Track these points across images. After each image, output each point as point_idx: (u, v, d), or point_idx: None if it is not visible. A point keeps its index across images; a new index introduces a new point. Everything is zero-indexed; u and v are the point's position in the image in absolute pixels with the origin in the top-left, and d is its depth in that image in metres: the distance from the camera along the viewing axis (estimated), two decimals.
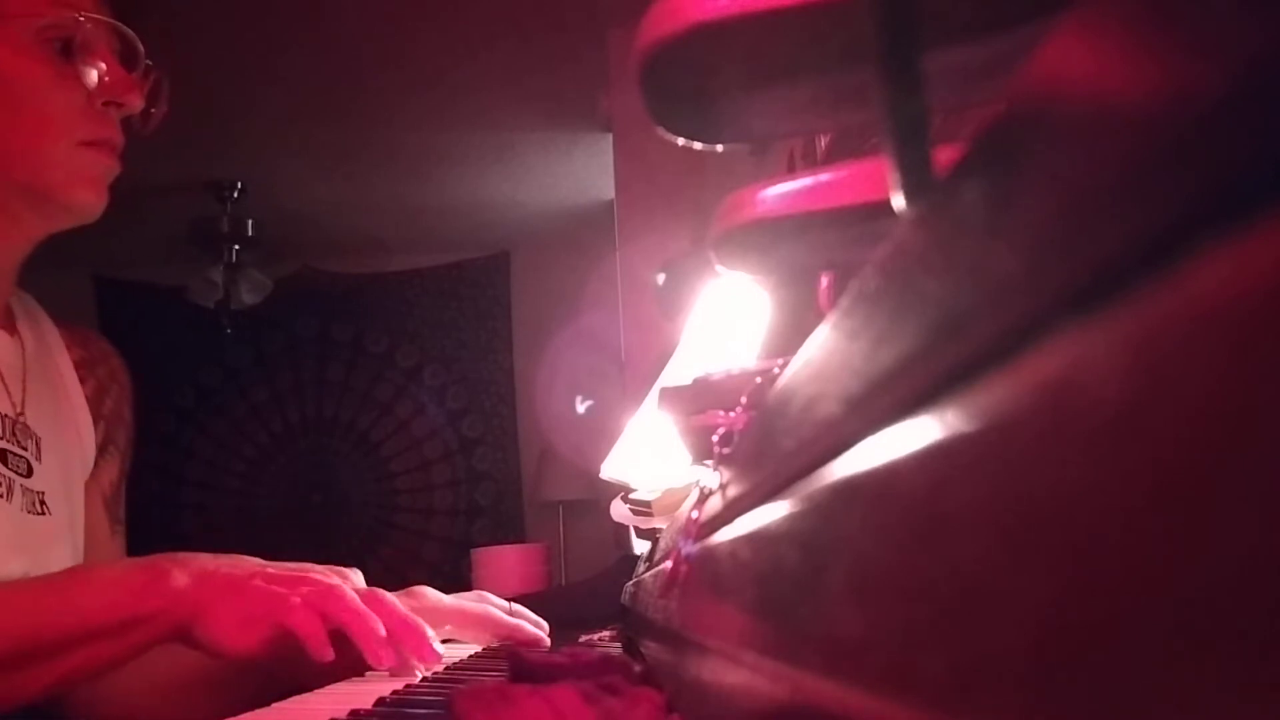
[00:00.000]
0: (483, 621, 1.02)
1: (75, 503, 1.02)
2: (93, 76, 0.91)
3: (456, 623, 1.00)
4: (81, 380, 1.08)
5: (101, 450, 1.09)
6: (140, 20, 0.96)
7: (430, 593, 1.00)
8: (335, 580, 0.83)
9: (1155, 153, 0.10)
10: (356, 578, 0.88)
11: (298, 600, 0.78)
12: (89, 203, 0.93)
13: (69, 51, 0.90)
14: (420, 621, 0.83)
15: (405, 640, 0.80)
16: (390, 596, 0.85)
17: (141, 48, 0.94)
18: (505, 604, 1.06)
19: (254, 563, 0.84)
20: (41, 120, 0.90)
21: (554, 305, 4.07)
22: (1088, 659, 0.11)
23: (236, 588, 0.79)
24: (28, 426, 0.97)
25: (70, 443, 1.04)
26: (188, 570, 0.80)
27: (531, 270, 4.25)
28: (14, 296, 1.03)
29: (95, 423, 1.08)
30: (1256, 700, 0.08)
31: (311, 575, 0.83)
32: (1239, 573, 0.08)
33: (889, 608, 0.17)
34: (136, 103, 0.94)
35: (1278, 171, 0.09)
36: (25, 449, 0.96)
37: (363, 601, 0.80)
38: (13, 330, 1.02)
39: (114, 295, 4.23)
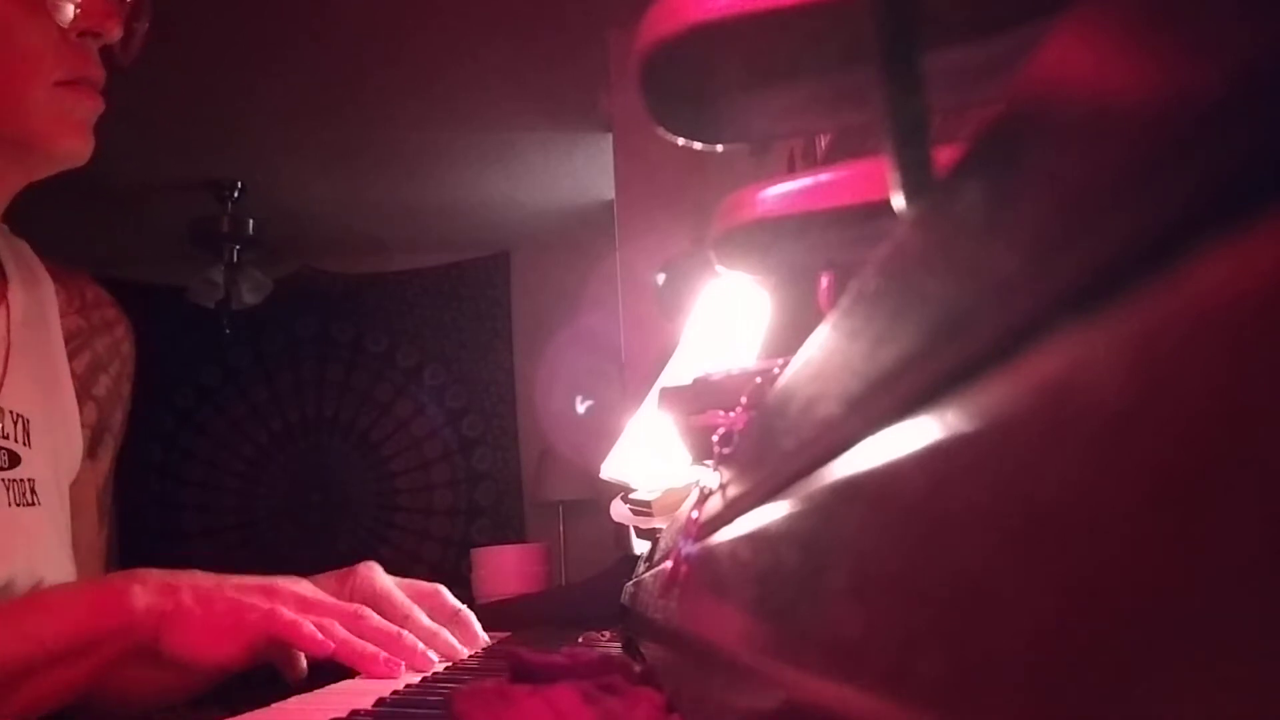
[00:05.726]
0: (433, 596, 1.00)
1: (63, 490, 0.95)
2: (67, 8, 0.81)
3: (408, 596, 0.97)
4: (72, 355, 0.99)
5: (98, 436, 1.01)
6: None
7: (377, 574, 0.96)
8: (305, 591, 0.82)
9: (1155, 153, 0.10)
10: (307, 588, 0.85)
11: (277, 608, 0.76)
12: (75, 150, 0.85)
13: None
14: (402, 631, 0.83)
15: (393, 653, 0.80)
16: (369, 611, 0.83)
17: None
18: (456, 603, 1.04)
19: (211, 577, 0.81)
20: (15, 60, 0.80)
21: (554, 305, 4.07)
22: (1088, 660, 0.11)
23: (206, 598, 0.77)
24: (3, 410, 0.89)
25: (60, 423, 0.95)
26: (147, 585, 0.77)
27: (531, 270, 4.26)
28: (6, 249, 0.95)
29: (82, 404, 0.98)
30: (1257, 701, 0.08)
31: (279, 586, 0.81)
32: (1240, 573, 0.08)
33: (889, 608, 0.17)
34: (115, 31, 0.84)
35: (1278, 171, 0.09)
36: (7, 436, 0.88)
37: (336, 617, 0.79)
38: (1, 294, 0.93)
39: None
